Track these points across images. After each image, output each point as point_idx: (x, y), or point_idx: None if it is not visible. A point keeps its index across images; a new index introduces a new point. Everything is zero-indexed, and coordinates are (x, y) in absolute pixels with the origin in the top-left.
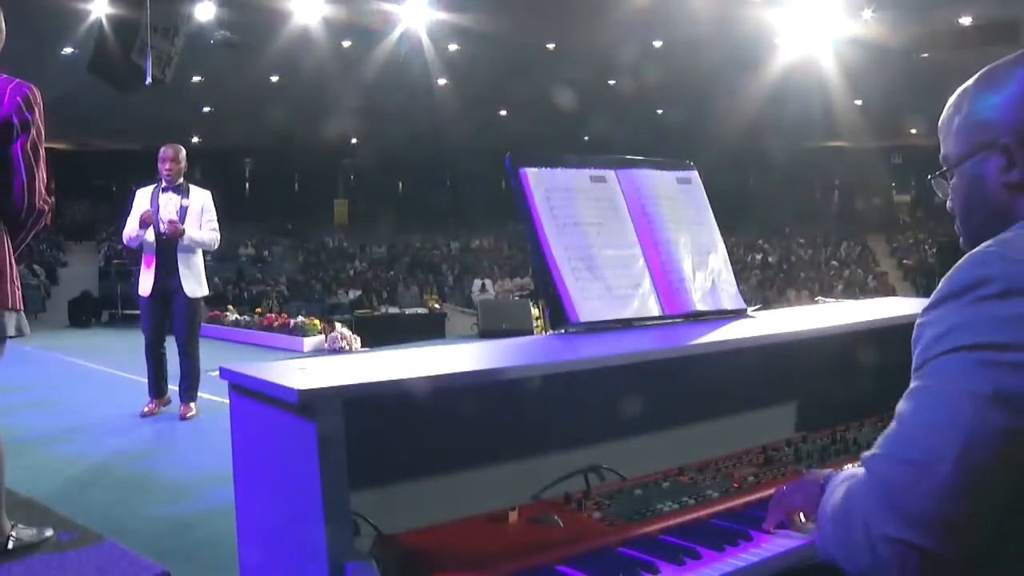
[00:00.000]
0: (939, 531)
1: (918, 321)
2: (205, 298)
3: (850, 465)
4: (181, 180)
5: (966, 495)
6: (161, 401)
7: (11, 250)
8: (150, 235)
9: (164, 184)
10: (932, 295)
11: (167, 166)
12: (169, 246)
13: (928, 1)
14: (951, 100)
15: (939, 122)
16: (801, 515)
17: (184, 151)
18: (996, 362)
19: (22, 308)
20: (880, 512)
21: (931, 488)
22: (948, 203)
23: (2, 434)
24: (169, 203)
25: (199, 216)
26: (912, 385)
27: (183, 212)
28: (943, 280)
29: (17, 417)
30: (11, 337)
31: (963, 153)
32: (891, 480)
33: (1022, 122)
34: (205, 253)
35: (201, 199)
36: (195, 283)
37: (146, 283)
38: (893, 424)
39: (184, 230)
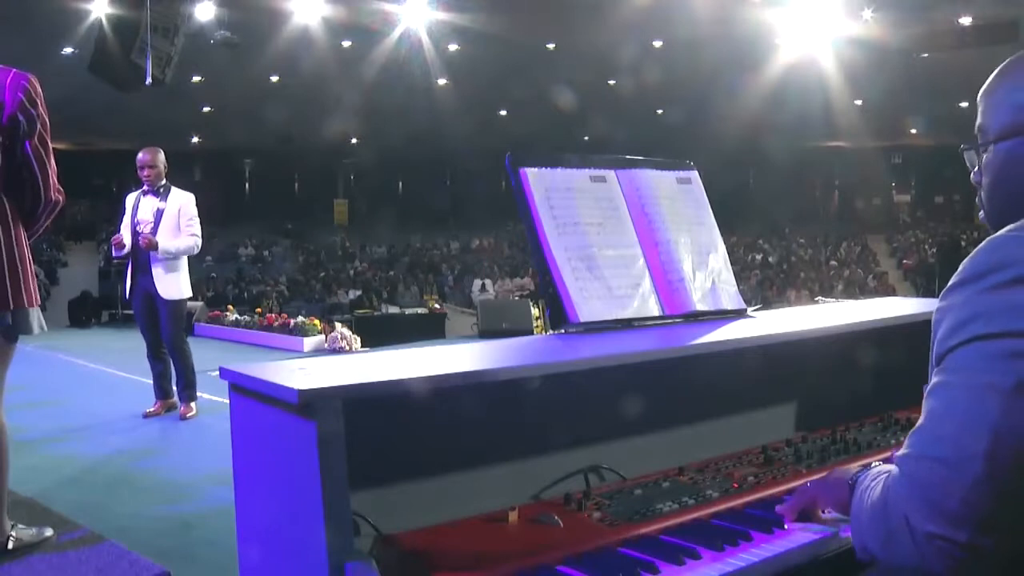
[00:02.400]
0: (977, 526)
1: (937, 305)
2: (207, 299)
3: (875, 462)
4: (163, 182)
5: (999, 490)
6: (166, 403)
7: (29, 247)
8: (128, 239)
9: (145, 188)
10: (952, 278)
11: (145, 172)
12: (144, 249)
13: (928, 1)
14: (1001, 69)
15: (982, 89)
16: (820, 510)
17: (162, 154)
18: (1016, 352)
19: (39, 304)
20: (920, 511)
21: (964, 485)
22: (974, 176)
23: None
24: (146, 206)
25: (175, 219)
26: (935, 380)
27: (159, 215)
28: (963, 263)
29: (17, 417)
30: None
31: (1004, 131)
32: (925, 478)
33: None
34: (201, 255)
35: (179, 202)
36: (170, 286)
37: (127, 285)
38: (921, 420)
39: (157, 243)
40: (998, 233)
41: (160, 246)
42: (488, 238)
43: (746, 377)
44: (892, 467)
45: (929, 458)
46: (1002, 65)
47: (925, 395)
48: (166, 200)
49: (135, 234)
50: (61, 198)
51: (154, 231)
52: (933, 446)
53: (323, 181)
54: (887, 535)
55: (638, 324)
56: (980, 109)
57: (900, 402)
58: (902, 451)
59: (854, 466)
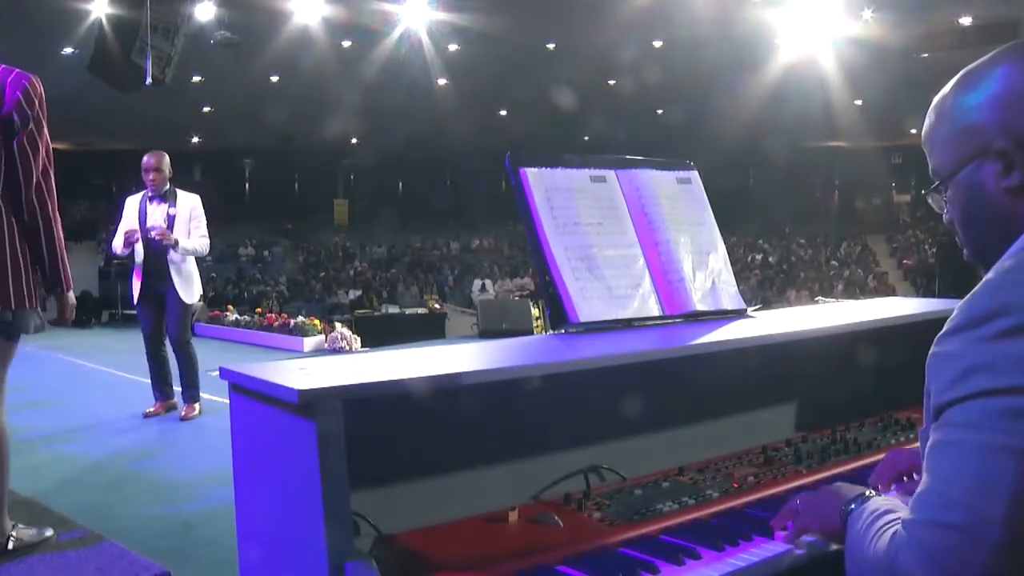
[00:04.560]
0: None
1: (933, 350)
2: (207, 299)
3: (869, 491)
4: (168, 187)
5: (1019, 555)
6: (166, 404)
7: (27, 250)
8: (138, 250)
9: (151, 193)
10: (947, 322)
11: (151, 176)
12: (159, 253)
13: (928, 1)
14: (932, 108)
15: (923, 134)
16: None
17: (167, 158)
18: None
19: (39, 307)
20: None
21: (982, 553)
22: (945, 216)
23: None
24: (156, 212)
25: (187, 223)
26: (937, 436)
27: (171, 220)
28: (959, 306)
29: (18, 417)
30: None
31: (956, 163)
32: (938, 547)
33: (1013, 122)
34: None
35: (189, 205)
36: (187, 289)
37: (136, 290)
38: (927, 481)
39: (176, 240)
40: (995, 273)
41: (180, 244)
42: (488, 238)
43: (746, 377)
44: (893, 504)
45: (941, 525)
46: (933, 103)
47: (927, 451)
48: (175, 205)
49: (147, 240)
50: (51, 202)
51: None
52: (944, 512)
53: (323, 181)
54: None
55: (638, 324)
56: (927, 153)
57: (900, 402)
58: (909, 515)
59: (846, 489)
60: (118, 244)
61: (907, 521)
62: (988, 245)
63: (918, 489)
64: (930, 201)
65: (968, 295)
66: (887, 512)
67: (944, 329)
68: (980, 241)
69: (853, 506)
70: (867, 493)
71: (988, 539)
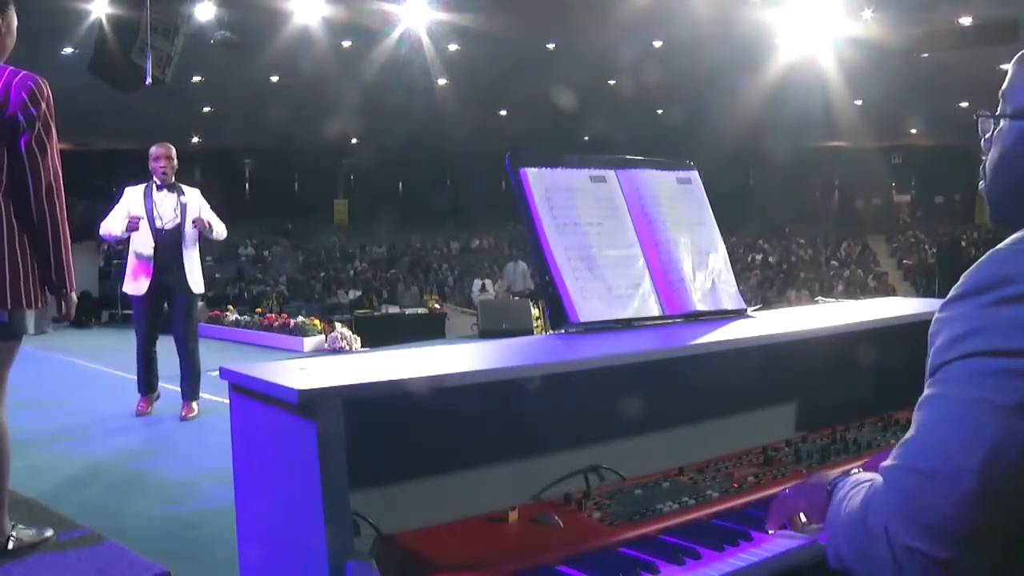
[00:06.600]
0: (963, 543)
1: (936, 316)
2: (207, 298)
3: (855, 469)
4: (173, 179)
5: (990, 507)
6: (151, 397)
7: (28, 250)
8: (146, 241)
9: (158, 183)
10: (952, 289)
11: (161, 163)
12: (171, 245)
13: (928, 1)
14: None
15: (1021, 53)
16: (802, 515)
17: (174, 149)
18: (1017, 371)
19: (42, 306)
20: (902, 523)
21: (954, 501)
22: (984, 143)
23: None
24: (166, 201)
25: (197, 212)
26: (928, 391)
27: (183, 209)
28: (964, 275)
29: (17, 417)
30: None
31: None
32: (912, 492)
33: None
34: (203, 251)
35: (197, 198)
36: (198, 278)
37: (141, 284)
38: (911, 432)
39: (209, 222)
40: (1001, 245)
41: (214, 229)
42: (488, 238)
43: (746, 377)
44: (875, 475)
45: (917, 471)
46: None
47: (916, 406)
48: (184, 195)
49: (156, 230)
50: (59, 205)
51: (181, 226)
52: (923, 459)
53: (323, 181)
54: (863, 546)
55: (638, 324)
56: (1010, 74)
57: (900, 402)
58: (889, 462)
59: (832, 472)
60: (115, 227)
61: (886, 467)
62: (1006, 197)
63: (903, 438)
64: (979, 122)
65: (976, 263)
66: (870, 480)
67: (949, 295)
68: (1001, 190)
69: (838, 480)
70: (852, 471)
71: (960, 488)
